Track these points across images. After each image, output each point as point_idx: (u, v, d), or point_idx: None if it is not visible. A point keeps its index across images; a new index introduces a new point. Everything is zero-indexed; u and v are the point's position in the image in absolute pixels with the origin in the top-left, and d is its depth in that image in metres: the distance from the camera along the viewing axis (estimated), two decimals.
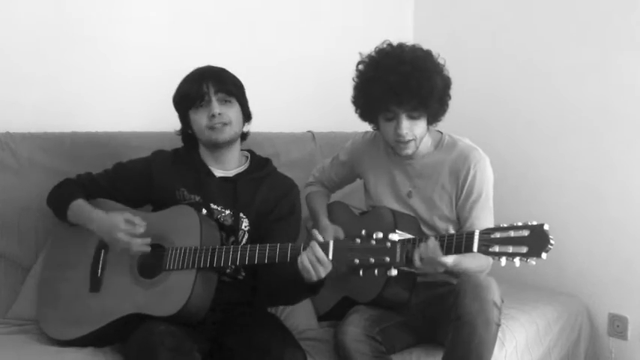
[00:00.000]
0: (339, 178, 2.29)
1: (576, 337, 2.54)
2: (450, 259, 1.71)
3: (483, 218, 1.97)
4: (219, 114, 1.88)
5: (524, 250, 1.56)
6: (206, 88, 1.88)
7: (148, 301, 1.75)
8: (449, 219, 2.02)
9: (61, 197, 1.94)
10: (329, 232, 2.04)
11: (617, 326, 2.63)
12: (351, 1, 3.09)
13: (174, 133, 2.04)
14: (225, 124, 1.89)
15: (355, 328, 1.89)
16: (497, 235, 1.61)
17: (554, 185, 2.78)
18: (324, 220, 2.15)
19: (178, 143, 2.07)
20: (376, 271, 1.59)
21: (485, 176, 1.98)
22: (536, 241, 1.55)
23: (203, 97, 1.88)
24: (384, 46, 1.94)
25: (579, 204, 2.70)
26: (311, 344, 1.99)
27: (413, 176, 2.06)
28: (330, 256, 1.63)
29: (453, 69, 2.02)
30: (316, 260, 1.63)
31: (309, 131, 2.81)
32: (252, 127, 2.10)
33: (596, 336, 2.65)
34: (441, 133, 2.08)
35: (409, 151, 1.97)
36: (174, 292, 1.73)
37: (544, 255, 1.54)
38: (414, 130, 1.92)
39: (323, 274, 1.65)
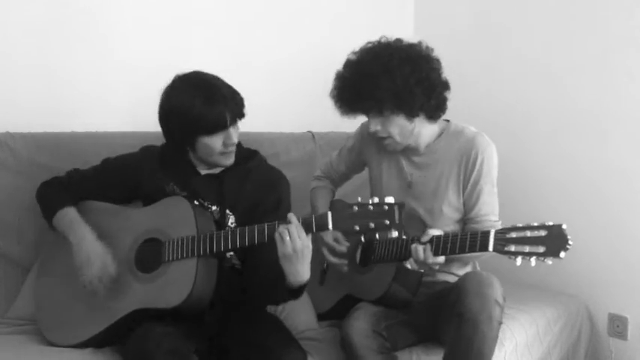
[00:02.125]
0: (347, 167, 2.28)
1: (576, 337, 2.53)
2: (441, 259, 1.77)
3: (490, 204, 1.99)
4: (235, 142, 1.85)
5: (542, 249, 1.57)
6: (226, 115, 1.78)
7: (150, 296, 1.74)
8: (456, 207, 2.02)
9: (49, 200, 1.91)
10: (328, 236, 2.05)
11: (617, 326, 2.63)
12: (352, 1, 3.09)
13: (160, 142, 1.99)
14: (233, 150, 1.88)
15: (363, 323, 1.90)
16: (513, 234, 1.62)
17: (555, 185, 2.78)
18: None
19: None
20: (377, 235, 1.59)
21: (492, 163, 1.99)
22: (554, 240, 1.56)
23: (225, 127, 1.79)
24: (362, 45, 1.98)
25: (580, 204, 2.70)
26: (311, 344, 1.98)
27: (420, 165, 2.06)
28: (330, 226, 1.61)
29: (454, 68, 2.02)
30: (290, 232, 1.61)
31: (309, 131, 2.81)
32: (252, 127, 2.10)
33: (596, 336, 2.65)
34: (447, 121, 2.08)
35: (391, 148, 2.00)
36: (177, 282, 1.71)
37: (562, 254, 1.55)
38: (387, 127, 1.94)
39: (299, 245, 1.61)
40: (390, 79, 1.87)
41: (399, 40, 1.95)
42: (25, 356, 1.74)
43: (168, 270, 1.75)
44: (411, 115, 1.94)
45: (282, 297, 1.79)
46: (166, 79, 1.98)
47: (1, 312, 2.02)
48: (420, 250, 1.78)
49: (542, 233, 1.58)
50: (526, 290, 2.62)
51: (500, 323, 1.82)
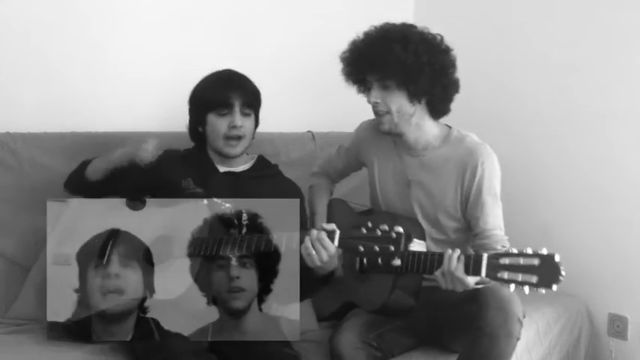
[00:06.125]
0: (345, 166, 2.26)
1: (576, 337, 2.53)
2: (472, 280, 1.67)
3: (495, 217, 1.93)
4: (240, 126, 1.93)
5: (534, 279, 1.53)
6: (233, 98, 1.94)
7: None
8: (453, 217, 1.98)
9: (75, 172, 2.02)
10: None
11: (617, 326, 2.63)
12: (352, 1, 3.09)
13: (186, 128, 2.06)
14: (240, 137, 1.94)
15: (351, 335, 1.88)
16: (507, 261, 1.57)
17: (557, 184, 2.77)
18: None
19: (177, 144, 2.07)
20: (380, 260, 1.60)
21: (493, 173, 1.94)
22: (547, 271, 1.52)
23: (229, 106, 1.93)
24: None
25: (580, 204, 2.70)
26: (310, 346, 1.98)
27: (418, 168, 2.01)
28: (336, 243, 1.66)
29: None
30: (319, 244, 1.66)
31: (309, 131, 2.80)
32: None
33: (596, 336, 2.65)
34: (450, 127, 2.05)
35: (385, 126, 1.94)
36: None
37: (554, 287, 1.52)
38: (387, 101, 1.90)
39: (325, 257, 1.67)
40: (404, 50, 1.85)
41: (423, 27, 1.95)
42: (24, 356, 1.74)
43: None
44: (413, 96, 1.90)
45: (313, 286, 1.89)
46: (167, 80, 1.99)
47: (1, 312, 2.02)
48: (454, 258, 1.66)
49: (535, 262, 1.54)
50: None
51: (518, 339, 1.79)
